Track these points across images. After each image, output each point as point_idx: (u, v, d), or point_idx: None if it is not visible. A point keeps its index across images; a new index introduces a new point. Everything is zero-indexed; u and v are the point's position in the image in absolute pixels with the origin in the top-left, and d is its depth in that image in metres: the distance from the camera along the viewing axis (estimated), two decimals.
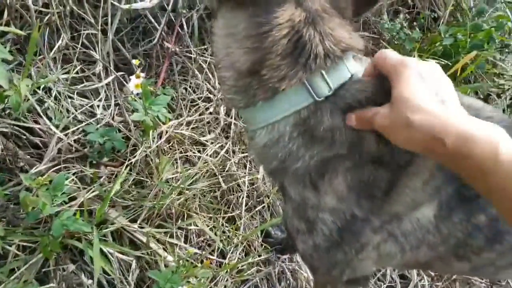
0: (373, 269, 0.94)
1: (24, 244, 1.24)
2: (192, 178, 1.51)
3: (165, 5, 1.71)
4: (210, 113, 1.71)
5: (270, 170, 0.82)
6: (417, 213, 0.79)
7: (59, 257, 1.27)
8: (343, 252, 0.83)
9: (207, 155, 1.58)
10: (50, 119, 1.44)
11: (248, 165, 1.65)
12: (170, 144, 1.57)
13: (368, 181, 0.75)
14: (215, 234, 1.46)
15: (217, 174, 1.53)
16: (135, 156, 1.45)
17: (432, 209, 0.78)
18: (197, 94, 1.75)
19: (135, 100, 1.25)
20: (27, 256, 1.22)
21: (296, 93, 0.72)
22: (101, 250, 1.27)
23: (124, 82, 1.57)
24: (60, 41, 1.51)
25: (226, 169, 1.59)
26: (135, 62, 1.21)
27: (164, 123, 1.47)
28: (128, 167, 1.43)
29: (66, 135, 1.43)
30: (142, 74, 1.18)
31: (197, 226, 1.46)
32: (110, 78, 1.60)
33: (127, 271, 1.32)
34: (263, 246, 1.50)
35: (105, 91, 1.61)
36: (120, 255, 1.31)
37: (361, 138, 0.72)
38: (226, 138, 1.68)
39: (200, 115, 1.70)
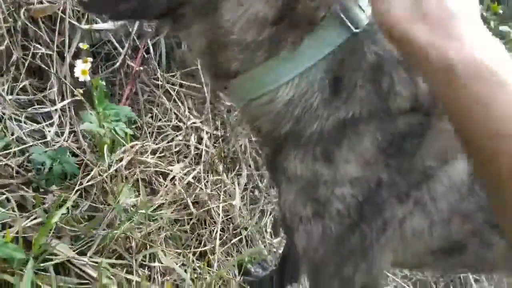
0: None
1: None
2: (157, 207, 1.29)
3: (130, 30, 1.60)
4: (180, 141, 1.53)
5: (277, 138, 0.68)
6: (449, 169, 0.63)
7: None
8: (360, 236, 0.66)
9: (173, 180, 1.38)
10: None
11: (222, 195, 1.44)
12: (131, 170, 1.36)
13: (399, 134, 0.63)
14: (185, 271, 1.22)
15: (186, 198, 1.32)
16: (88, 181, 1.24)
17: (466, 164, 0.63)
18: (164, 122, 1.58)
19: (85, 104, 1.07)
20: None
21: (330, 27, 0.62)
22: (37, 286, 1.02)
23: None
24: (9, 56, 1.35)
25: (197, 197, 1.38)
26: (82, 45, 1.05)
27: (124, 142, 1.27)
28: (79, 192, 1.22)
29: (6, 156, 1.22)
30: (90, 59, 1.01)
31: (161, 263, 1.22)
32: (66, 102, 1.42)
33: None
34: (241, 286, 1.26)
35: (59, 116, 1.43)
36: None
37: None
38: (197, 165, 1.49)
39: (168, 143, 1.52)
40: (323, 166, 0.65)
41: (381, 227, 0.66)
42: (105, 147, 1.15)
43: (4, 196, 1.14)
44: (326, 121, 0.64)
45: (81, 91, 1.10)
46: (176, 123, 1.60)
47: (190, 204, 1.32)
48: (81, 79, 1.03)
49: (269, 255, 1.36)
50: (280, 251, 1.35)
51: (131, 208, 1.22)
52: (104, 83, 1.10)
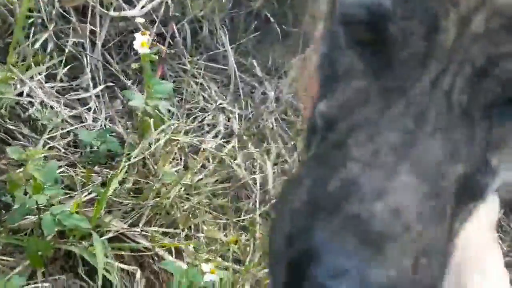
0: None
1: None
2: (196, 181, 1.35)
3: (155, 17, 1.65)
4: (210, 120, 1.59)
5: None
6: None
7: (47, 268, 1.06)
8: None
9: (207, 157, 1.44)
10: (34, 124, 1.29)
11: (256, 170, 1.50)
12: (168, 149, 1.41)
13: None
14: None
15: (230, 164, 1.38)
16: (131, 159, 1.30)
17: None
18: (192, 104, 1.63)
19: (136, 70, 1.13)
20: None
21: None
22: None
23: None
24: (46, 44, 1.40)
25: (231, 173, 1.44)
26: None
27: (163, 120, 1.33)
28: (124, 170, 1.27)
29: (52, 139, 1.28)
30: (149, 32, 1.07)
31: (206, 234, 1.28)
32: (101, 87, 1.48)
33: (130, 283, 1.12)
34: None
35: (94, 102, 1.48)
36: (122, 265, 1.12)
37: None
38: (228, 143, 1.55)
39: (198, 123, 1.58)
40: None
41: None
42: (151, 124, 1.20)
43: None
44: None
45: (136, 65, 1.16)
46: (204, 105, 1.66)
47: (235, 167, 1.38)
48: (141, 51, 1.09)
49: None
50: None
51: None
52: (156, 57, 1.15)
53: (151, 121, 1.19)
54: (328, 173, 0.38)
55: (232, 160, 1.46)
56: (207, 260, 1.17)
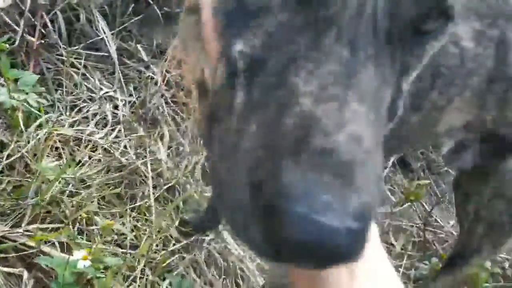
0: None
1: None
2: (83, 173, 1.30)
3: (23, 8, 1.55)
4: (95, 110, 1.54)
5: None
6: None
7: None
8: None
9: (95, 147, 1.39)
10: None
11: (148, 156, 1.48)
12: (50, 144, 1.35)
13: None
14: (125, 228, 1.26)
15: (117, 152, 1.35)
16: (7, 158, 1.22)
17: None
18: (75, 96, 1.56)
19: None
20: None
21: None
22: None
23: None
24: None
25: (122, 161, 1.41)
26: None
27: (39, 114, 1.26)
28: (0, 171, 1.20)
29: None
30: None
31: (98, 225, 1.24)
32: None
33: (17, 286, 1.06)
34: (180, 231, 1.33)
35: None
36: (6, 269, 1.06)
37: None
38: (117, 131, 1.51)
39: (83, 114, 1.52)
40: None
41: None
42: (20, 119, 1.13)
43: None
44: None
45: None
46: (89, 95, 1.59)
47: (117, 154, 1.35)
48: None
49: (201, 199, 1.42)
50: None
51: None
52: (7, 45, 1.08)
53: (20, 116, 1.12)
54: (279, 113, 0.37)
55: (118, 148, 1.43)
56: (101, 250, 1.15)
